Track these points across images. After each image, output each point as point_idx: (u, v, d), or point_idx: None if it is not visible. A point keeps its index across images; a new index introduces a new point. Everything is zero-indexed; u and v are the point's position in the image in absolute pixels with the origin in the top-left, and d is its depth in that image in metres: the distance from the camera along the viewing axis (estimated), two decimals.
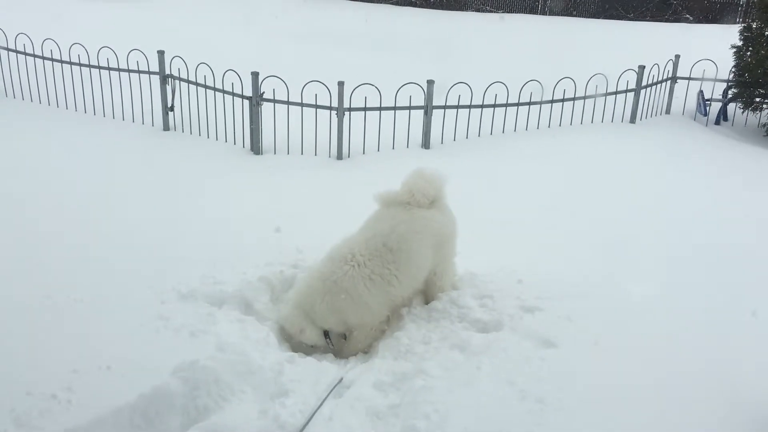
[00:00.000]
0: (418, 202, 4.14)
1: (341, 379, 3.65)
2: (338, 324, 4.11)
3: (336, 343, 4.18)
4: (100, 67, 9.04)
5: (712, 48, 10.65)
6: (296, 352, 3.97)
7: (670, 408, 3.39)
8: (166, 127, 8.72)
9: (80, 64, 9.15)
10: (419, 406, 3.28)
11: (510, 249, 5.26)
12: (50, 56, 9.31)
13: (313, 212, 5.93)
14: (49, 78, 9.48)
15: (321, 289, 4.01)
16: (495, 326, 4.07)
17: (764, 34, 9.70)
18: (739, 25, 11.93)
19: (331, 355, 4.15)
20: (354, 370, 3.83)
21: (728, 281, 4.82)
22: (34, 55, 9.48)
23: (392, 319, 4.30)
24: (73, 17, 14.87)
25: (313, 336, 4.05)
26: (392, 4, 25.97)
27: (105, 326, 3.78)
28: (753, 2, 14.48)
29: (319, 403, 3.35)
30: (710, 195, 6.76)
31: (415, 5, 25.65)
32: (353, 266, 4.00)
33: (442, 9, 24.96)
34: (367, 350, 4.19)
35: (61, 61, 9.25)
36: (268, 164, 7.61)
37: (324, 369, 3.74)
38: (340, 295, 3.98)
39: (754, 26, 9.96)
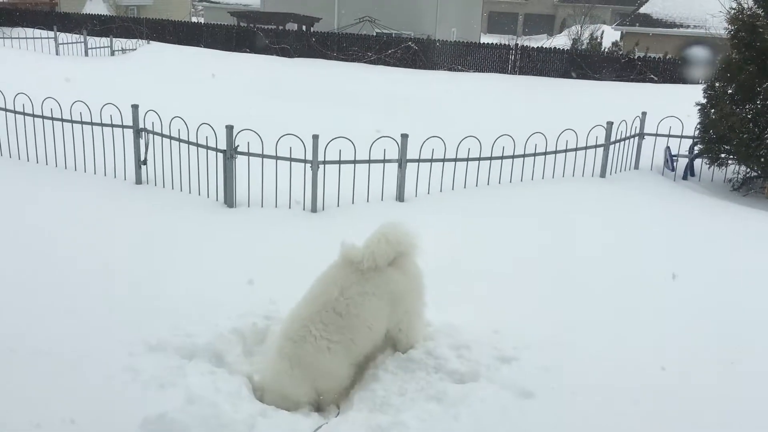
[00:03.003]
0: (376, 266, 4.08)
1: (325, 423, 3.55)
2: (309, 393, 4.02)
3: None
4: (72, 121, 8.99)
5: (677, 106, 10.94)
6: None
7: None
8: (138, 181, 8.65)
9: (52, 118, 9.10)
10: None
11: (484, 300, 5.24)
12: (22, 110, 9.25)
13: (287, 264, 5.87)
14: (20, 132, 9.39)
15: (287, 368, 3.96)
16: (472, 377, 4.01)
17: (727, 92, 10.02)
18: (702, 84, 12.34)
19: (305, 409, 4.05)
20: (329, 424, 3.73)
21: (708, 332, 4.82)
22: (6, 110, 9.41)
23: (367, 371, 4.22)
24: (46, 73, 14.88)
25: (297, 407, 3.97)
26: (366, 62, 26.50)
27: (70, 379, 3.66)
28: (715, 63, 14.99)
29: None
30: (682, 247, 6.83)
31: (388, 64, 26.20)
32: (312, 342, 3.96)
33: (415, 68, 25.54)
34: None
35: (33, 115, 9.19)
36: (241, 217, 7.56)
37: (298, 421, 3.64)
38: (305, 370, 3.94)
39: (717, 85, 10.30)
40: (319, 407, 4.06)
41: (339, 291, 4.05)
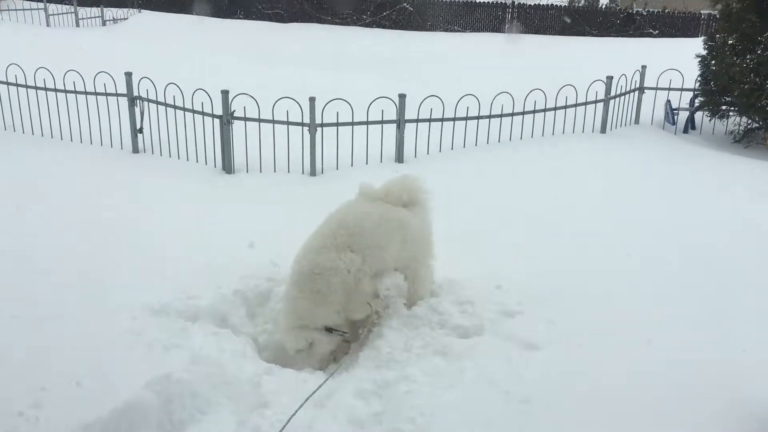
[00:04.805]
0: (389, 201, 4.27)
1: (326, 379, 3.56)
2: (329, 314, 4.01)
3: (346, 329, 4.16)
4: (66, 91, 8.90)
5: (677, 59, 10.81)
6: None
7: (659, 406, 3.34)
8: (135, 150, 8.59)
9: (46, 89, 9.00)
10: (404, 411, 3.20)
11: (487, 257, 5.21)
12: (15, 81, 9.14)
13: (287, 227, 5.78)
14: (14, 103, 9.30)
15: (297, 292, 4.00)
16: (476, 331, 4.01)
17: (728, 43, 9.88)
18: (701, 38, 12.17)
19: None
20: (334, 379, 3.73)
21: (711, 281, 4.78)
22: None
23: (371, 329, 4.21)
24: (39, 43, 14.71)
25: (322, 341, 3.99)
26: (361, 25, 26.20)
27: (74, 344, 3.65)
28: (714, 16, 14.79)
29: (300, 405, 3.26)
30: (683, 199, 6.79)
31: (383, 26, 25.90)
32: (318, 251, 4.03)
33: (411, 29, 25.25)
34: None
35: (26, 86, 9.09)
36: (240, 182, 7.52)
37: (304, 379, 3.65)
38: (315, 282, 3.95)
39: (717, 36, 10.15)
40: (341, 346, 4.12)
41: (348, 212, 4.20)
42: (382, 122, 8.01)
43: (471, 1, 26.86)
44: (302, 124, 7.76)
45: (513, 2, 26.44)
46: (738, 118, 10.02)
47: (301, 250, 4.18)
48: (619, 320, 4.17)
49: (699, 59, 10.10)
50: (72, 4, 23.51)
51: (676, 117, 10.15)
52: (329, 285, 3.95)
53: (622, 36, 23.05)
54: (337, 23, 26.49)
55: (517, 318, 4.14)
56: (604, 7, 28.12)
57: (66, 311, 4.03)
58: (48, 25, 21.95)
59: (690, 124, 10.33)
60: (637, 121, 10.13)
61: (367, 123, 7.94)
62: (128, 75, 8.44)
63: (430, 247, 4.46)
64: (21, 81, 9.11)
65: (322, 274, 3.95)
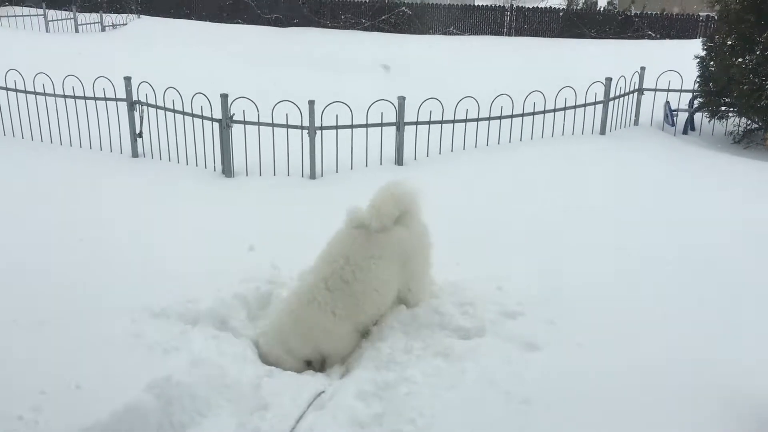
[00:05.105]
0: (383, 225, 4.01)
1: (322, 391, 3.54)
2: (314, 353, 4.05)
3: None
4: (65, 96, 8.90)
5: (676, 60, 10.81)
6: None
7: (659, 406, 3.33)
8: (135, 154, 8.59)
9: (45, 94, 9.01)
10: (404, 412, 3.20)
11: (487, 259, 5.21)
12: (14, 87, 9.15)
13: (288, 230, 5.84)
14: (13, 109, 9.31)
15: (292, 325, 4.00)
16: (477, 332, 4.00)
17: (726, 43, 9.88)
18: (700, 39, 12.17)
19: (311, 370, 4.05)
20: (335, 382, 3.73)
21: (711, 281, 4.78)
22: None
23: (372, 330, 4.21)
24: (38, 49, 14.73)
25: (293, 366, 3.98)
26: (360, 29, 26.24)
27: (74, 348, 3.64)
28: (713, 17, 14.81)
29: (299, 414, 3.25)
30: (683, 199, 6.79)
31: (382, 30, 25.95)
32: (316, 306, 3.96)
33: (410, 33, 25.30)
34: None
35: (26, 92, 9.10)
36: (240, 186, 7.52)
37: (304, 382, 3.64)
38: (309, 330, 3.96)
39: (716, 37, 10.16)
40: (323, 367, 4.07)
41: (345, 259, 4.01)
42: (381, 125, 8.01)
43: (469, 5, 26.91)
44: (302, 127, 7.77)
45: (511, 5, 26.49)
46: (737, 119, 10.03)
47: (311, 269, 4.14)
48: (619, 320, 4.16)
49: (698, 60, 10.11)
50: (71, 10, 23.55)
51: (675, 118, 10.15)
52: (315, 333, 3.98)
53: (621, 38, 23.08)
54: (335, 27, 26.53)
55: (518, 319, 4.14)
56: (602, 9, 28.15)
57: (65, 315, 4.03)
58: (47, 31, 21.97)
59: (689, 125, 10.33)
60: (636, 123, 10.14)
61: (366, 126, 7.95)
62: (127, 80, 8.45)
63: (429, 256, 4.34)
64: (20, 87, 9.12)
65: (317, 323, 3.96)
